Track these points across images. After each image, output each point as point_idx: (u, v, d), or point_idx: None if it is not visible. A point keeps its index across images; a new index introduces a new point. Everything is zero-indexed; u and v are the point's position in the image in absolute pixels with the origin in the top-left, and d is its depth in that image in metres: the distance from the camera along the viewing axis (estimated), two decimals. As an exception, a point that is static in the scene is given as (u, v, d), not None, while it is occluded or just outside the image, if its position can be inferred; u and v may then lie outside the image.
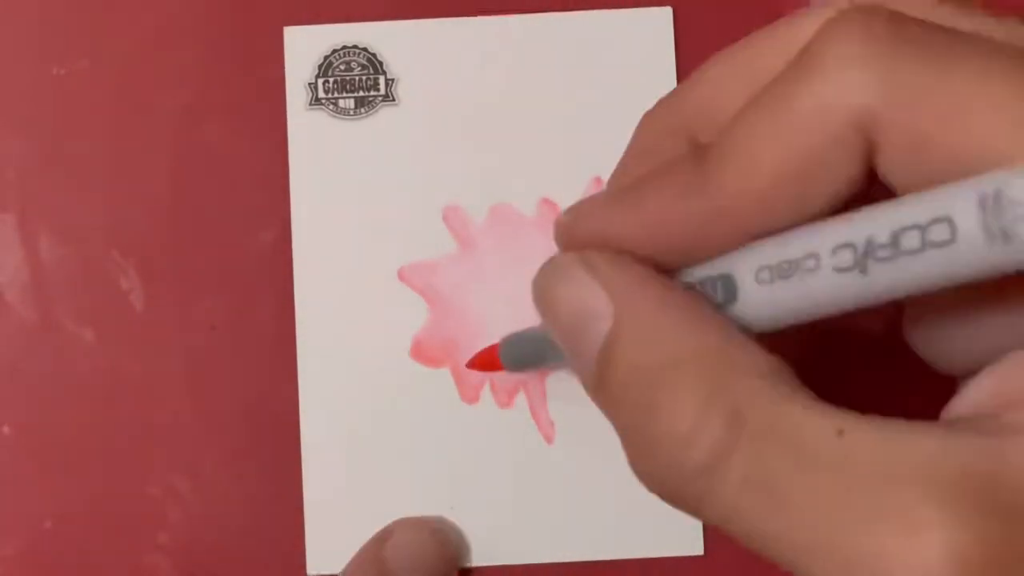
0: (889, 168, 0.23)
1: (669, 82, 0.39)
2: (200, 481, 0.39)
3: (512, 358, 0.36)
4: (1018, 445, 0.21)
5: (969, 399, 0.23)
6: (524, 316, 0.38)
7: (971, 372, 0.24)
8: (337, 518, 0.38)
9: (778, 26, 0.26)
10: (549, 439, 0.39)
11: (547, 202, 0.39)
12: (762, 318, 0.24)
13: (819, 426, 0.22)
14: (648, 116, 0.29)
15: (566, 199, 0.39)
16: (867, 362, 0.29)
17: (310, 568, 0.38)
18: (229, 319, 0.39)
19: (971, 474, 0.20)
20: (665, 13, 0.40)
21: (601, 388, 0.25)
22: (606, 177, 0.39)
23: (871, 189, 0.23)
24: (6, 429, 0.39)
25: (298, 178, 0.39)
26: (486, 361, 0.37)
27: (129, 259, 0.39)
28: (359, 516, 0.38)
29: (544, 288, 0.26)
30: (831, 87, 0.22)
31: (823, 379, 0.24)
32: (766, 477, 0.22)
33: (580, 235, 0.26)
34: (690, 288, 0.25)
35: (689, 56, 0.40)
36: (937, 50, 0.22)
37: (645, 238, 0.25)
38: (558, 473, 0.39)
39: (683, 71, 0.40)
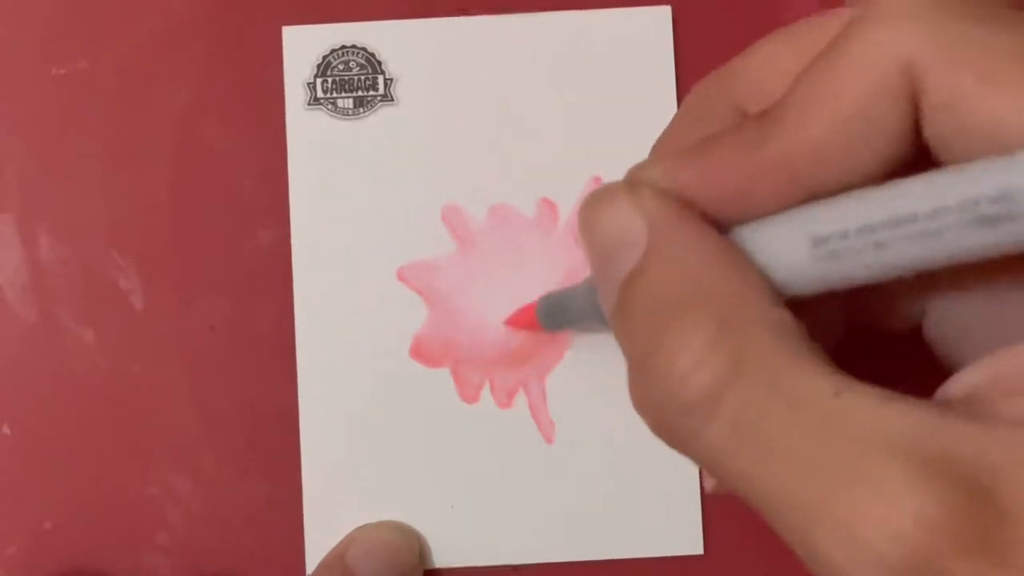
0: (931, 125, 0.23)
1: (668, 81, 0.39)
2: (200, 481, 0.39)
3: (548, 317, 0.36)
4: (1000, 435, 0.21)
5: (965, 381, 0.23)
6: (524, 316, 0.38)
7: None
8: (337, 518, 0.38)
9: (833, 10, 0.27)
10: (549, 439, 0.39)
11: (546, 201, 0.39)
12: (802, 279, 0.25)
13: (817, 383, 0.22)
14: (699, 86, 0.29)
15: (565, 198, 0.39)
16: (889, 359, 0.30)
17: (310, 568, 0.38)
18: (229, 319, 0.39)
19: (952, 456, 0.21)
20: (664, 12, 0.40)
21: (620, 314, 0.26)
22: (605, 176, 0.39)
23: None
24: (6, 429, 0.39)
25: (297, 178, 0.39)
26: (525, 319, 0.37)
27: (129, 259, 0.39)
28: (359, 516, 0.38)
29: (588, 209, 0.27)
30: (881, 35, 0.23)
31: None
32: (756, 423, 0.23)
33: (641, 179, 0.27)
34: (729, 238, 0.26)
35: (688, 55, 0.40)
36: (988, 13, 0.23)
37: (704, 189, 0.25)
38: (558, 473, 0.39)
39: (682, 70, 0.40)
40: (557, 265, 0.39)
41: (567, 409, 0.39)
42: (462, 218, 0.39)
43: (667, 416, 0.24)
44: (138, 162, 0.40)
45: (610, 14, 0.40)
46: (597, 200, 0.26)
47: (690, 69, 0.40)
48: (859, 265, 0.24)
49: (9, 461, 0.39)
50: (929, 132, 0.24)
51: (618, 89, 0.39)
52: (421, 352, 0.39)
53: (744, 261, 0.25)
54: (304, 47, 0.39)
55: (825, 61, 0.24)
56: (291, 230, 0.39)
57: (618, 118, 0.39)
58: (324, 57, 0.40)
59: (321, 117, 0.39)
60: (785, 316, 0.24)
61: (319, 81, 0.39)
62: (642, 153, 0.39)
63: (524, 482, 0.39)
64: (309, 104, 0.39)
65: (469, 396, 0.39)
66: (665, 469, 0.39)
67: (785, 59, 0.27)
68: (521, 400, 0.39)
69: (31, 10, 0.40)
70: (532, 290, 0.39)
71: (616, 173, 0.39)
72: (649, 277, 0.25)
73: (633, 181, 0.26)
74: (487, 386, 0.39)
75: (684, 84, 0.40)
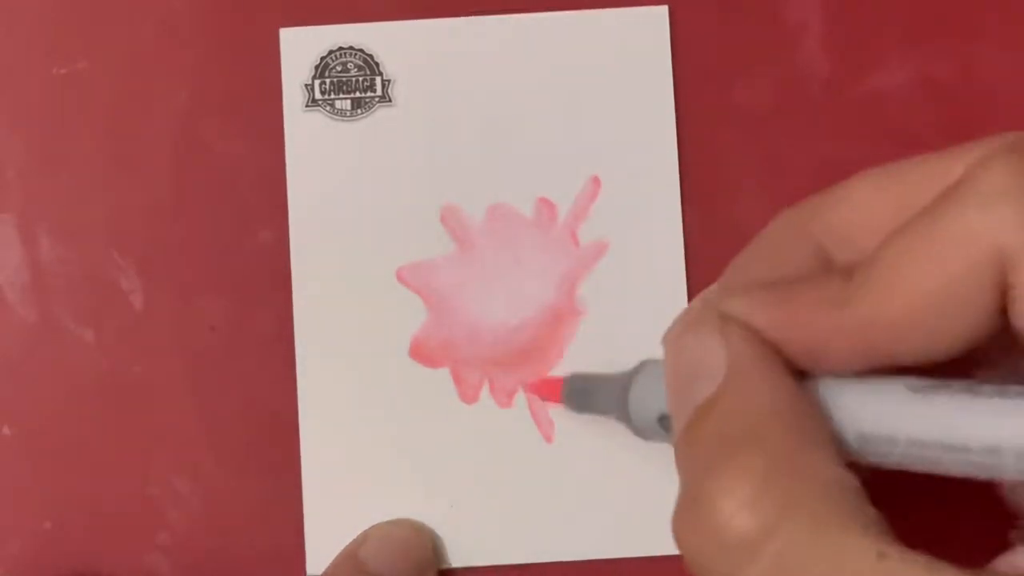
0: (1018, 317, 0.23)
1: (665, 81, 0.39)
2: (200, 481, 0.39)
3: (573, 399, 0.36)
4: None
5: (1019, 561, 0.23)
6: (523, 315, 0.38)
7: None
8: (337, 518, 0.38)
9: (931, 158, 0.27)
10: (548, 438, 0.39)
11: (545, 201, 0.39)
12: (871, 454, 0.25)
13: (861, 542, 0.22)
14: (785, 216, 0.29)
15: (564, 198, 0.39)
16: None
17: (310, 568, 0.38)
18: (229, 319, 0.39)
19: None
20: (661, 12, 0.40)
21: (684, 440, 0.26)
22: (603, 176, 0.39)
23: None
24: (6, 429, 0.39)
25: (296, 179, 0.39)
26: (548, 391, 0.38)
27: (129, 259, 0.39)
28: (359, 516, 0.38)
29: (677, 330, 0.27)
30: (975, 218, 0.23)
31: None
32: (795, 575, 0.23)
33: (724, 311, 0.27)
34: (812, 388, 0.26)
35: (685, 54, 0.40)
36: None
37: (781, 335, 0.26)
38: (558, 473, 0.39)
39: (679, 69, 0.39)
40: (556, 264, 0.39)
41: (567, 408, 0.39)
42: (461, 218, 0.39)
43: (706, 552, 0.24)
44: (138, 162, 0.40)
45: (607, 14, 0.40)
46: (687, 323, 0.27)
47: (687, 69, 0.40)
48: (925, 463, 0.24)
49: (9, 461, 0.39)
50: (1017, 323, 0.23)
51: (615, 89, 0.39)
52: (420, 352, 0.39)
53: (814, 415, 0.25)
54: (302, 48, 0.39)
55: (915, 234, 0.24)
56: (289, 231, 0.39)
57: (616, 118, 0.39)
58: (322, 58, 0.39)
59: (319, 118, 0.39)
60: (841, 474, 0.24)
61: (317, 82, 0.39)
62: (640, 152, 0.39)
63: (524, 482, 0.39)
64: (307, 105, 0.39)
65: (468, 396, 0.39)
66: (665, 468, 0.39)
67: (877, 208, 0.27)
68: (520, 400, 0.39)
69: (31, 10, 0.40)
70: (531, 290, 0.39)
71: (614, 172, 0.39)
72: (717, 410, 0.25)
73: (720, 311, 0.27)
74: (486, 386, 0.39)
75: (681, 84, 0.39)
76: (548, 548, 0.39)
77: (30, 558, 0.39)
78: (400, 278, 0.39)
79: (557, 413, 0.39)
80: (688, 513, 0.25)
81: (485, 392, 0.39)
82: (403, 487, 0.39)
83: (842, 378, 0.26)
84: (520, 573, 0.39)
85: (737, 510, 0.23)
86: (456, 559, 0.39)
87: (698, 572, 0.25)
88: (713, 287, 0.28)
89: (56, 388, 0.39)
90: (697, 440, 0.25)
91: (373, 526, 0.38)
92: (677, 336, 0.27)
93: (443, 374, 0.39)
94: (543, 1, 0.40)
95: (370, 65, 0.39)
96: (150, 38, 0.40)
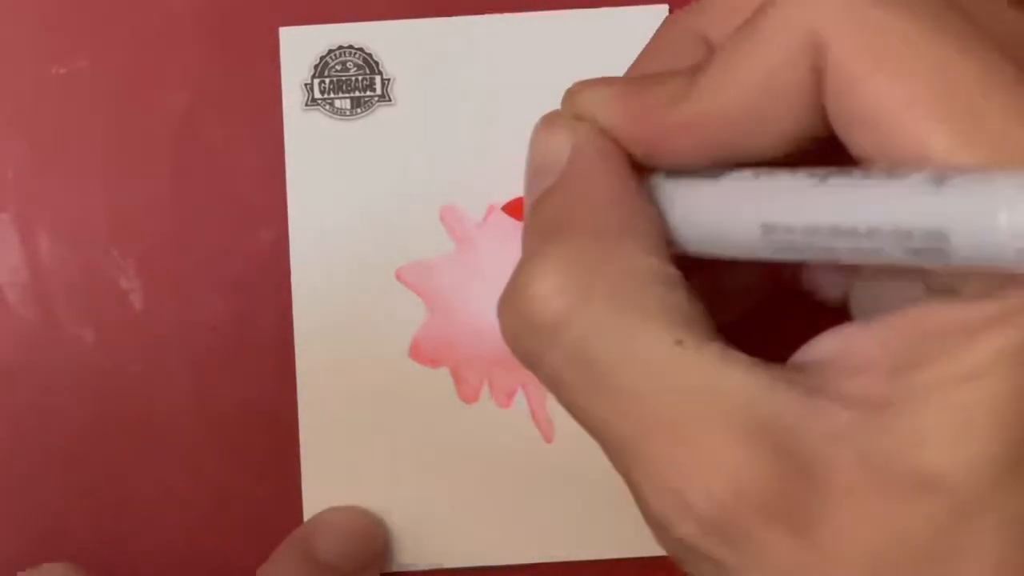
0: (829, 105, 0.23)
1: (667, 80, 0.39)
2: (200, 481, 0.39)
3: None
4: (826, 412, 0.22)
5: (818, 348, 0.24)
6: (523, 315, 0.38)
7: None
8: (336, 518, 0.39)
9: None
10: (548, 438, 0.39)
11: (545, 201, 0.39)
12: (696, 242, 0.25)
13: (661, 330, 0.23)
14: (670, 18, 0.30)
15: (564, 198, 0.39)
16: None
17: (310, 568, 0.38)
18: (229, 319, 0.39)
19: (777, 425, 0.22)
20: (661, 12, 0.40)
21: (524, 230, 0.26)
22: (604, 176, 0.39)
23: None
24: (6, 429, 0.39)
25: (295, 179, 0.39)
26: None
27: (129, 259, 0.39)
28: (358, 516, 0.39)
29: (536, 130, 0.28)
30: (793, 7, 0.23)
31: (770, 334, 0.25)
32: (592, 356, 0.23)
33: (578, 108, 0.28)
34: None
35: (687, 54, 0.40)
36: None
37: (625, 129, 0.26)
38: (557, 472, 0.39)
39: (680, 70, 0.40)
40: (556, 264, 0.39)
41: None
42: (460, 218, 0.39)
43: (519, 333, 0.25)
44: (138, 162, 0.40)
45: (607, 13, 0.40)
46: (542, 123, 0.28)
47: (688, 68, 0.40)
48: (792, 252, 0.24)
49: (9, 461, 0.39)
50: (829, 112, 0.24)
51: (616, 89, 0.39)
52: (420, 352, 0.39)
53: (643, 208, 0.25)
54: (301, 48, 0.39)
55: (745, 29, 0.24)
56: (289, 231, 0.39)
57: (616, 117, 0.39)
58: (321, 58, 0.39)
59: (319, 118, 0.39)
60: (658, 265, 0.24)
61: (316, 82, 0.39)
62: (640, 152, 0.39)
63: (524, 482, 0.39)
64: (307, 105, 0.39)
65: (468, 396, 0.39)
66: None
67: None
68: (520, 400, 0.39)
69: (31, 10, 0.40)
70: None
71: (615, 172, 0.39)
72: (550, 200, 0.26)
73: (568, 102, 0.28)
74: (486, 386, 0.39)
75: (683, 83, 0.40)
76: (548, 548, 0.39)
77: (30, 558, 0.39)
78: (400, 278, 0.39)
79: (557, 413, 0.39)
80: (508, 294, 0.25)
81: (485, 392, 0.39)
82: (403, 487, 0.39)
83: (694, 175, 0.26)
84: (520, 573, 0.39)
85: (546, 294, 0.24)
86: (456, 559, 0.39)
87: (514, 352, 0.25)
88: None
89: (56, 388, 0.39)
90: (528, 230, 0.26)
91: (325, 511, 0.38)
92: (535, 133, 0.28)
93: (443, 374, 0.39)
94: (544, 1, 0.40)
95: (370, 64, 0.39)
96: (150, 38, 0.40)
